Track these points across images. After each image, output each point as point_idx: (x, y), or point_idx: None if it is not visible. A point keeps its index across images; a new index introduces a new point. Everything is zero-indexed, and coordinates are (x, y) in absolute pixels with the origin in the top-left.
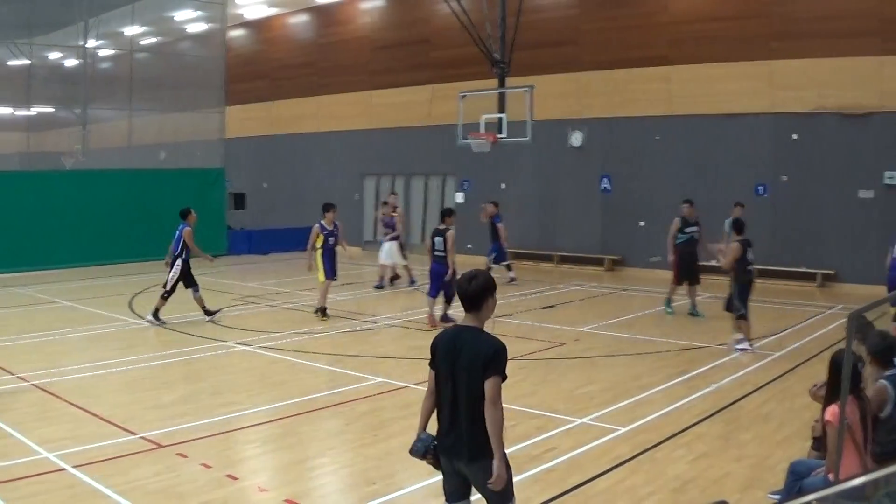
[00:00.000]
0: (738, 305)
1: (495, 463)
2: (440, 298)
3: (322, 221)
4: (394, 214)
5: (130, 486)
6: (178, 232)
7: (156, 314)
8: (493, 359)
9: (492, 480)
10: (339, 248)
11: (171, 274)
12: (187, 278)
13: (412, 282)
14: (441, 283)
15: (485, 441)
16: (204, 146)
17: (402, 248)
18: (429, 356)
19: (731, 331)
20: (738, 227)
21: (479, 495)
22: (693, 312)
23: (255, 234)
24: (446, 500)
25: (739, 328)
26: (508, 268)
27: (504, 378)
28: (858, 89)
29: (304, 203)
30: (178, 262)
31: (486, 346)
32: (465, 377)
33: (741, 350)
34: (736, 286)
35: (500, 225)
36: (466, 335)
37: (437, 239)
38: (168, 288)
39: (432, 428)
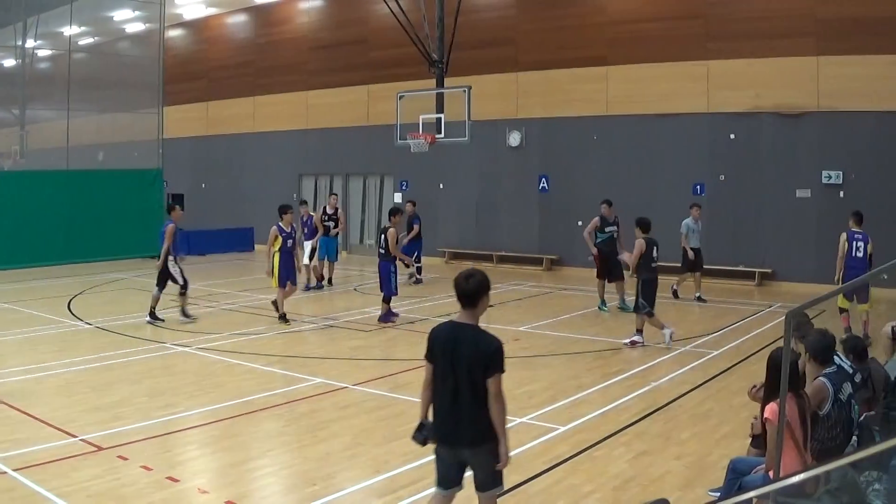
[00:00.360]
0: (641, 304)
1: (501, 448)
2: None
3: (280, 223)
4: (312, 214)
5: (71, 488)
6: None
7: (184, 312)
8: (494, 357)
9: (500, 462)
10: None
11: (175, 270)
12: (163, 274)
13: (311, 286)
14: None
15: (487, 427)
16: (142, 147)
17: (315, 250)
18: (367, 357)
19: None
20: (642, 225)
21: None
22: (622, 307)
23: (194, 234)
24: (438, 485)
25: (643, 323)
26: (419, 270)
27: (503, 372)
28: (795, 89)
29: (243, 204)
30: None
31: (487, 344)
32: (465, 371)
33: (631, 343)
34: (639, 284)
35: (416, 225)
36: (465, 332)
37: (382, 237)
38: (181, 283)
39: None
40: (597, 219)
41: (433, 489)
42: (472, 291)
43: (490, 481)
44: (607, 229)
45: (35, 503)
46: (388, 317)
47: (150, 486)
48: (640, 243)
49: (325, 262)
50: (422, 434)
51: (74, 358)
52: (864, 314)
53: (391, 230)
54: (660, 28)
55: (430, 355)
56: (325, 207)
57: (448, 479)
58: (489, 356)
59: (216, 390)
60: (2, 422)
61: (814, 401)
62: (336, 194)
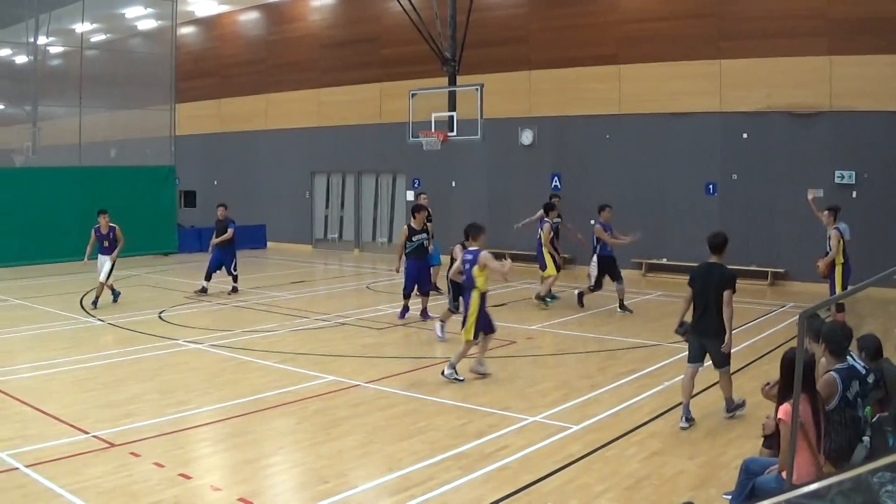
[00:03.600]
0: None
1: (727, 338)
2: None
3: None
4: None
5: (83, 485)
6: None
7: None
8: (731, 281)
9: (724, 345)
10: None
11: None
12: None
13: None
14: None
15: (720, 326)
16: (154, 143)
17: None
18: (380, 355)
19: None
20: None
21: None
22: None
23: (206, 231)
24: (689, 361)
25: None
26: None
27: (734, 291)
28: (807, 89)
29: (255, 201)
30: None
31: (727, 274)
32: (713, 290)
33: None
34: None
35: (231, 229)
36: (714, 267)
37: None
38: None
39: None
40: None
41: (684, 368)
42: (718, 244)
43: (721, 361)
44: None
45: (47, 499)
46: (426, 314)
47: (163, 483)
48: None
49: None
50: (682, 328)
51: (87, 354)
52: None
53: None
54: (672, 27)
55: (692, 282)
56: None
57: (695, 357)
58: (728, 280)
59: (228, 387)
60: (14, 418)
61: (823, 395)
62: (426, 193)
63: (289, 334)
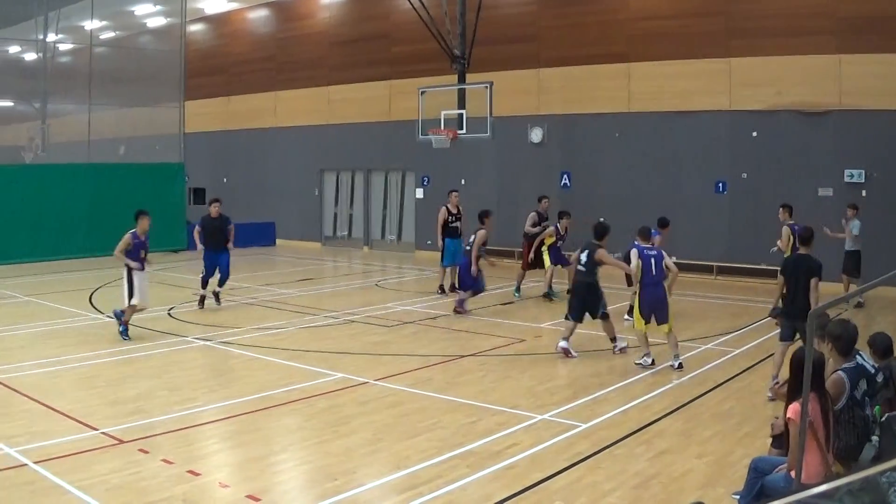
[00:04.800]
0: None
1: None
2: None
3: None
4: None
5: (92, 481)
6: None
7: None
8: (818, 270)
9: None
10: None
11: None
12: None
13: None
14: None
15: (807, 308)
16: (163, 141)
17: None
18: (388, 352)
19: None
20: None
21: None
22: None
23: None
24: (781, 339)
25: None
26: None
27: (820, 279)
28: (816, 87)
29: (264, 198)
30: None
31: (815, 264)
32: (803, 278)
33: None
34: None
35: (230, 227)
36: (804, 257)
37: (473, 237)
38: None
39: None
40: (534, 213)
41: (779, 345)
42: (807, 238)
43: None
44: (542, 224)
45: (55, 496)
46: (462, 305)
47: (171, 480)
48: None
49: (449, 268)
50: (775, 312)
51: (95, 351)
52: None
53: (481, 232)
54: (681, 25)
55: (784, 271)
56: (447, 206)
57: (786, 336)
58: (816, 269)
59: (237, 384)
60: (22, 414)
61: (832, 394)
62: (456, 191)
63: (297, 331)
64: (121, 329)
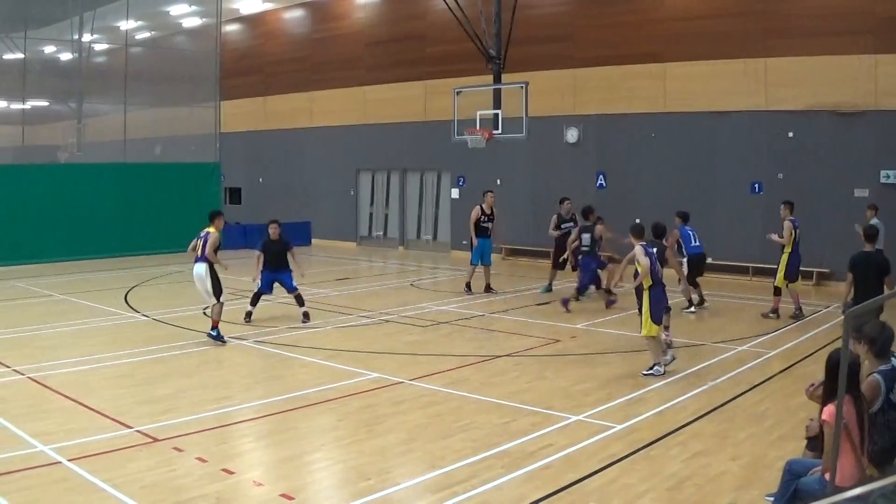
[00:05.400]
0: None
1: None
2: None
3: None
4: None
5: (125, 479)
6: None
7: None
8: (887, 265)
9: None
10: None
11: None
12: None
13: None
14: (591, 275)
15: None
16: (199, 140)
17: None
18: (424, 352)
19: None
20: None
21: None
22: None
23: (250, 228)
24: None
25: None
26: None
27: (889, 273)
28: (853, 87)
29: (300, 198)
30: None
31: (883, 259)
32: (874, 275)
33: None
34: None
35: (294, 250)
36: (872, 255)
37: (585, 235)
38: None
39: None
40: (555, 216)
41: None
42: (873, 235)
43: None
44: (564, 226)
45: (89, 493)
46: (567, 302)
47: (205, 478)
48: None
49: (483, 268)
50: (847, 307)
51: (130, 350)
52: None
53: (599, 227)
54: (717, 25)
55: (854, 268)
56: (481, 206)
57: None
58: (885, 265)
59: (272, 383)
60: (56, 412)
61: (868, 397)
62: (492, 191)
63: (333, 331)
64: (214, 333)
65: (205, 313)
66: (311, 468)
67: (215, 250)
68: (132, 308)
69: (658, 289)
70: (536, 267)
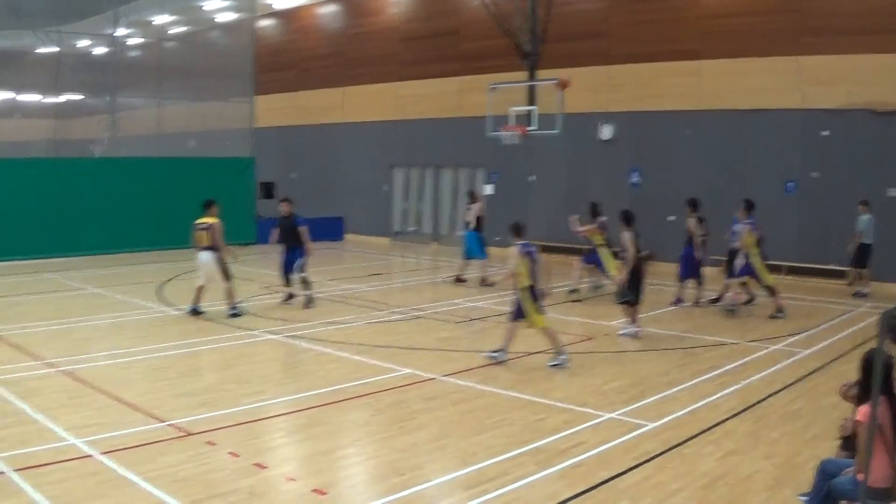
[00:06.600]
0: (623, 292)
1: None
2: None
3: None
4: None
5: (158, 473)
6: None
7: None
8: None
9: None
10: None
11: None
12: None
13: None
14: (691, 265)
15: None
16: (233, 135)
17: None
18: (456, 348)
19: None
20: (626, 219)
21: None
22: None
23: None
24: None
25: (626, 313)
26: (305, 283)
27: None
28: (889, 86)
29: (333, 193)
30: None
31: None
32: None
33: (626, 335)
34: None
35: (302, 228)
36: None
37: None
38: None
39: None
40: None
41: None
42: None
43: None
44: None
45: (122, 487)
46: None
47: (238, 473)
48: (627, 236)
49: (480, 261)
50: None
51: (163, 343)
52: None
53: (691, 220)
54: (752, 22)
55: None
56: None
57: None
58: None
59: (304, 378)
60: (90, 405)
61: None
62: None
63: (365, 326)
64: (233, 311)
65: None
66: (343, 463)
67: (222, 238)
68: (166, 302)
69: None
70: (569, 264)
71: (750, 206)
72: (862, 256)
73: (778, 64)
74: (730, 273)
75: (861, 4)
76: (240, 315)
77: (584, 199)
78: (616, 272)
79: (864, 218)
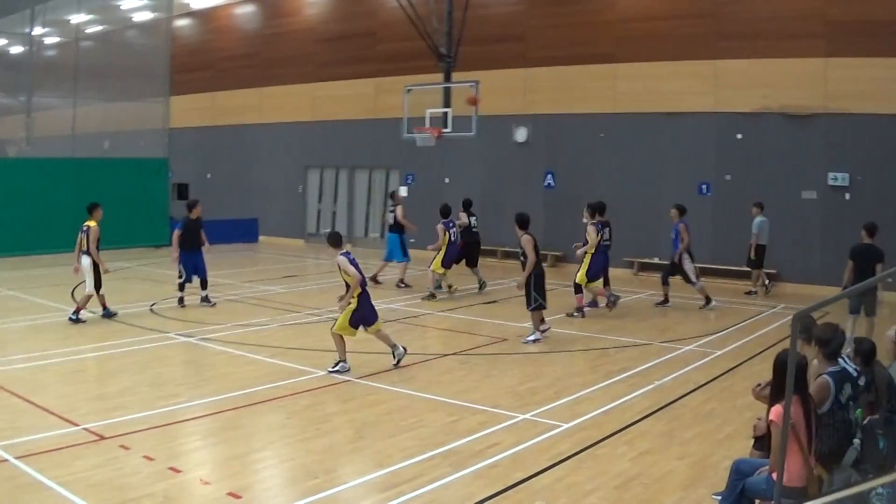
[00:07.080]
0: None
1: (879, 294)
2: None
3: None
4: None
5: (73, 477)
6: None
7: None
8: (882, 256)
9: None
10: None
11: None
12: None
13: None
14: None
15: (872, 288)
16: (148, 136)
17: None
18: (371, 350)
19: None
20: (522, 222)
21: None
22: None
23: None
24: (850, 312)
25: (534, 319)
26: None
27: (883, 263)
28: (803, 90)
29: (248, 194)
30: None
31: (879, 251)
32: (871, 264)
33: (530, 342)
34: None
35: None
36: (870, 247)
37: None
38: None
39: None
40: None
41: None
42: (874, 229)
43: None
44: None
45: (36, 492)
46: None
47: (152, 477)
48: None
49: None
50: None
51: (78, 346)
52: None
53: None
54: (669, 26)
55: (854, 257)
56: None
57: (854, 309)
58: (880, 255)
59: (219, 381)
60: (4, 409)
61: (816, 398)
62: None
63: (280, 329)
64: (74, 317)
65: (152, 310)
66: (258, 466)
67: (97, 245)
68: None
69: (365, 296)
70: (484, 266)
71: (682, 210)
72: (759, 257)
73: (694, 68)
74: (665, 277)
75: (776, 10)
76: (80, 321)
77: (499, 200)
78: (438, 268)
79: (759, 220)
